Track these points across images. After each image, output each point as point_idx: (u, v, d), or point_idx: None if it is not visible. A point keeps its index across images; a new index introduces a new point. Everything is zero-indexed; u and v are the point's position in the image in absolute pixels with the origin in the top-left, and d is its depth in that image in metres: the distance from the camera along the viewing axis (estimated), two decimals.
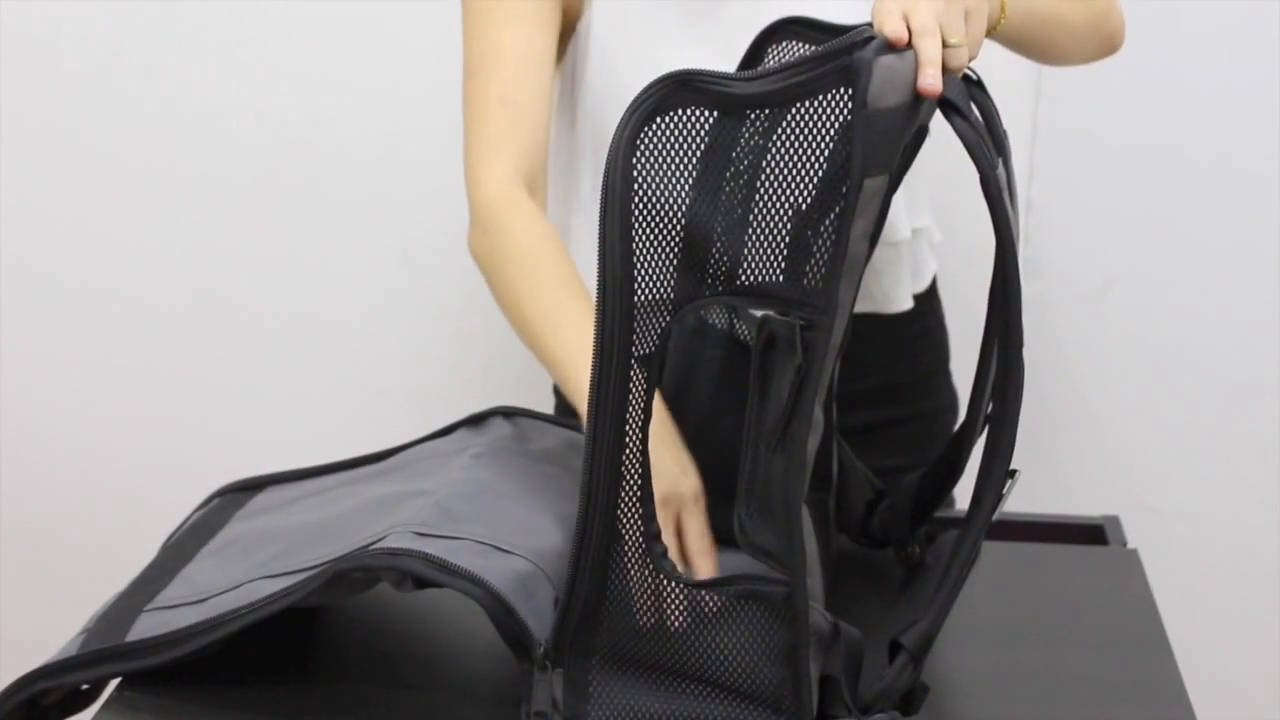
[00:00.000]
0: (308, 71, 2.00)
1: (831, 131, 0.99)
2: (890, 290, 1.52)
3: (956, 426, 1.62)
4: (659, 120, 0.99)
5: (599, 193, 1.45)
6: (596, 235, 1.45)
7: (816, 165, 0.99)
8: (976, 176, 1.04)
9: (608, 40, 1.43)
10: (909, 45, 1.01)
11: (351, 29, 1.98)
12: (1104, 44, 1.45)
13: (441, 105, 1.98)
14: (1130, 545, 1.43)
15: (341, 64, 2.00)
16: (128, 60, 2.00)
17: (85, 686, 1.16)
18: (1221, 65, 1.92)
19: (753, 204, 1.01)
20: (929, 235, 1.59)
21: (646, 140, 1.00)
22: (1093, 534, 1.47)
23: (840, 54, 0.98)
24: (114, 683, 1.15)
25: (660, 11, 1.42)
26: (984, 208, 1.04)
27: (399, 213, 2.03)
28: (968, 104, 1.04)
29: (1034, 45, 1.37)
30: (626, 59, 1.43)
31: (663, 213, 1.00)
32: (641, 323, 1.01)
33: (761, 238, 1.01)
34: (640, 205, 1.00)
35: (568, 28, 1.47)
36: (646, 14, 1.43)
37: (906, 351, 1.59)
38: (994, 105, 1.09)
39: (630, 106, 0.99)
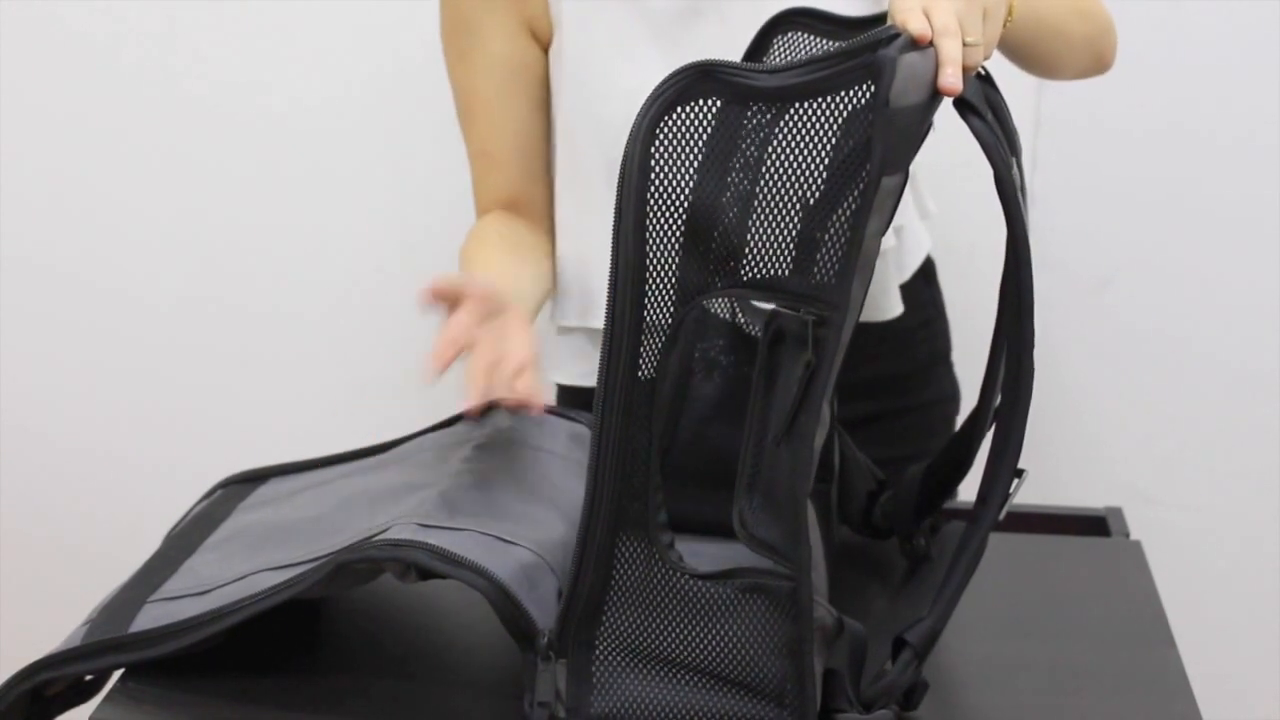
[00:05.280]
0: (303, 68, 2.00)
1: (843, 126, 0.98)
2: (878, 299, 1.51)
3: (958, 417, 1.63)
4: (679, 110, 0.99)
5: (587, 215, 1.47)
6: (590, 254, 1.47)
7: (826, 160, 0.99)
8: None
9: (578, 63, 1.43)
10: (929, 43, 1.01)
11: (347, 25, 1.98)
12: (1096, 62, 1.45)
13: (439, 100, 1.98)
14: (1133, 537, 1.43)
15: (337, 60, 1.99)
16: (125, 58, 2.00)
17: (89, 677, 1.16)
18: (1224, 57, 1.92)
19: (758, 196, 1.01)
20: (915, 218, 1.57)
21: (665, 130, 0.99)
22: (1095, 525, 1.47)
23: (864, 50, 0.98)
24: (117, 674, 1.15)
25: (629, 34, 1.42)
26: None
27: (399, 205, 2.03)
28: (983, 103, 1.04)
29: (1032, 54, 1.36)
30: (597, 80, 1.43)
31: (679, 203, 1.00)
32: (652, 311, 1.01)
33: (769, 231, 1.01)
34: (656, 195, 1.00)
35: (546, 49, 1.48)
36: (615, 36, 1.42)
37: (906, 343, 1.58)
38: (1005, 102, 1.08)
39: (651, 96, 0.99)
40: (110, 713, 1.11)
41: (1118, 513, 1.47)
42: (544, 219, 1.50)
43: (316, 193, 2.04)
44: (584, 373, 1.53)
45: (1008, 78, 1.15)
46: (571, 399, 1.58)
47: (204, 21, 1.98)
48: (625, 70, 1.41)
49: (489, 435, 1.31)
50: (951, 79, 1.01)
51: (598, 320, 1.47)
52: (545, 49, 1.47)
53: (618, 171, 1.41)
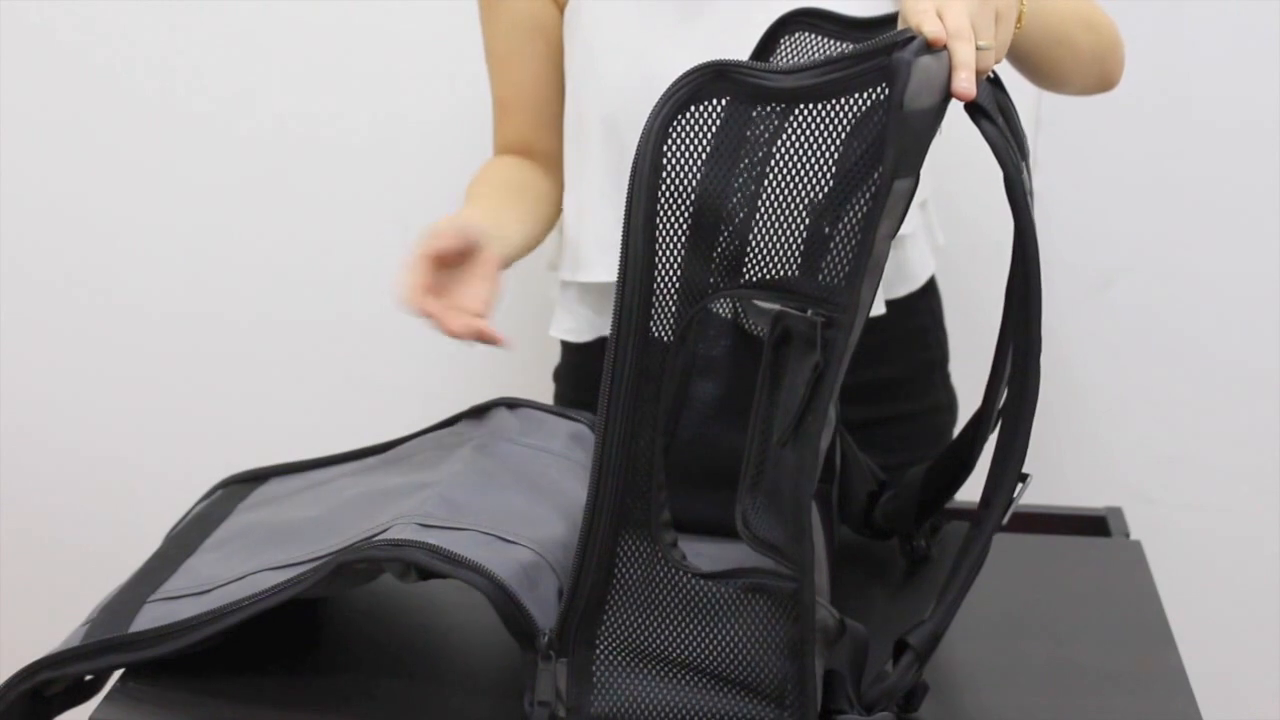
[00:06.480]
0: (305, 68, 2.00)
1: (852, 128, 0.98)
2: None
3: (955, 428, 1.63)
4: (693, 109, 0.99)
5: (585, 170, 1.48)
6: (584, 210, 1.48)
7: (833, 161, 0.99)
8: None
9: (591, 25, 1.45)
10: (943, 46, 1.01)
11: (350, 26, 1.98)
12: (1103, 79, 1.45)
13: (441, 99, 1.99)
14: (1133, 537, 1.43)
15: (340, 60, 1.99)
16: (124, 67, 2.00)
17: (89, 677, 1.17)
18: (1226, 56, 1.91)
19: (765, 196, 1.01)
20: (922, 238, 1.56)
21: (679, 129, 0.99)
22: (1096, 525, 1.47)
23: (879, 53, 0.98)
24: (117, 673, 1.15)
25: (651, 5, 1.43)
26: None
27: (400, 205, 2.03)
28: (994, 107, 1.04)
29: (1040, 63, 1.36)
30: (605, 40, 1.44)
31: (689, 202, 1.00)
32: (659, 309, 1.01)
33: (775, 231, 1.01)
34: (667, 193, 1.00)
35: (563, 9, 1.50)
36: (637, 7, 1.43)
37: (899, 349, 1.57)
38: (1014, 105, 1.08)
39: (665, 94, 0.99)
40: (110, 713, 1.11)
41: (1118, 513, 1.47)
42: (554, 166, 1.54)
43: (315, 193, 2.03)
44: (571, 329, 1.54)
45: (1009, 75, 1.15)
46: (565, 354, 1.62)
47: (202, 30, 1.98)
48: (634, 34, 1.43)
49: (490, 434, 1.31)
50: (965, 83, 1.01)
51: (589, 274, 1.48)
52: (562, 10, 1.49)
53: (616, 131, 1.45)
